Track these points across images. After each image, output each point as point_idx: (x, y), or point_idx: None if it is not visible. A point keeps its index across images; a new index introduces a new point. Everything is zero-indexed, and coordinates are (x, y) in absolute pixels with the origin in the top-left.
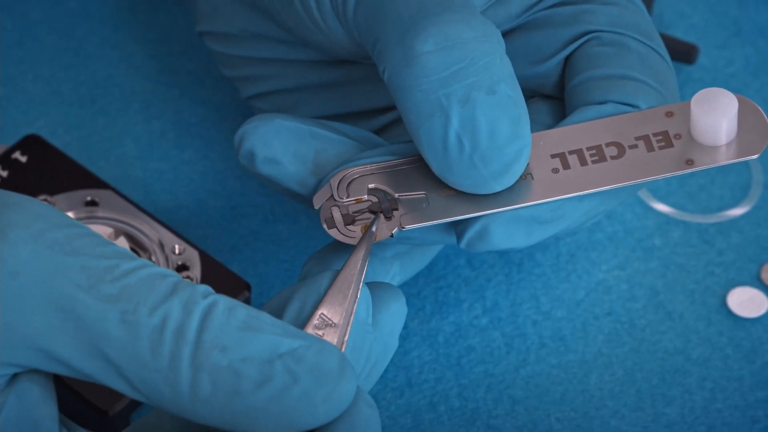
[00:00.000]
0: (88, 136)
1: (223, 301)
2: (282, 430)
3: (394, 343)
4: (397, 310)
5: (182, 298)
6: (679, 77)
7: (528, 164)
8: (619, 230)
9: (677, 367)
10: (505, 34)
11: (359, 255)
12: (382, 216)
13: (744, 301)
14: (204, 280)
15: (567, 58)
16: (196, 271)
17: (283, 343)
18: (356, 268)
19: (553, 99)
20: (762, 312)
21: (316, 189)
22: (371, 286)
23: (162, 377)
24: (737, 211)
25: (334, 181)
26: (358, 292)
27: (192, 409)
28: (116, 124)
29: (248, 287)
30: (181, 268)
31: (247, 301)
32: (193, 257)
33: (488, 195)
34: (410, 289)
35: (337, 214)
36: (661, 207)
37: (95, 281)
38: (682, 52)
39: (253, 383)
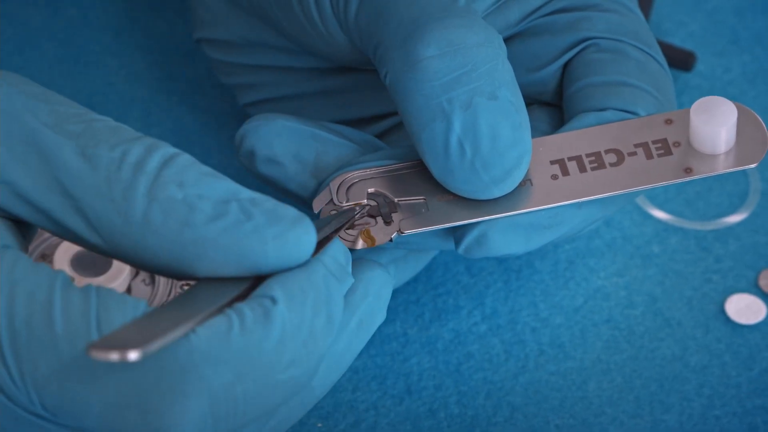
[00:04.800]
0: None
1: (193, 158)
2: (230, 264)
3: (381, 312)
4: (380, 276)
5: (146, 142)
6: (677, 85)
7: (527, 170)
8: (617, 237)
9: (675, 374)
10: (504, 41)
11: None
12: (380, 220)
13: (742, 308)
14: None
15: (565, 65)
16: None
17: (243, 192)
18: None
19: (551, 106)
20: (760, 319)
21: (315, 191)
22: (356, 261)
23: (116, 207)
24: (735, 219)
25: (334, 185)
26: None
27: (141, 240)
28: None
29: None
30: None
31: None
32: None
33: (487, 201)
34: (409, 296)
35: None
36: (659, 214)
37: (61, 121)
38: (679, 60)
39: (205, 217)
